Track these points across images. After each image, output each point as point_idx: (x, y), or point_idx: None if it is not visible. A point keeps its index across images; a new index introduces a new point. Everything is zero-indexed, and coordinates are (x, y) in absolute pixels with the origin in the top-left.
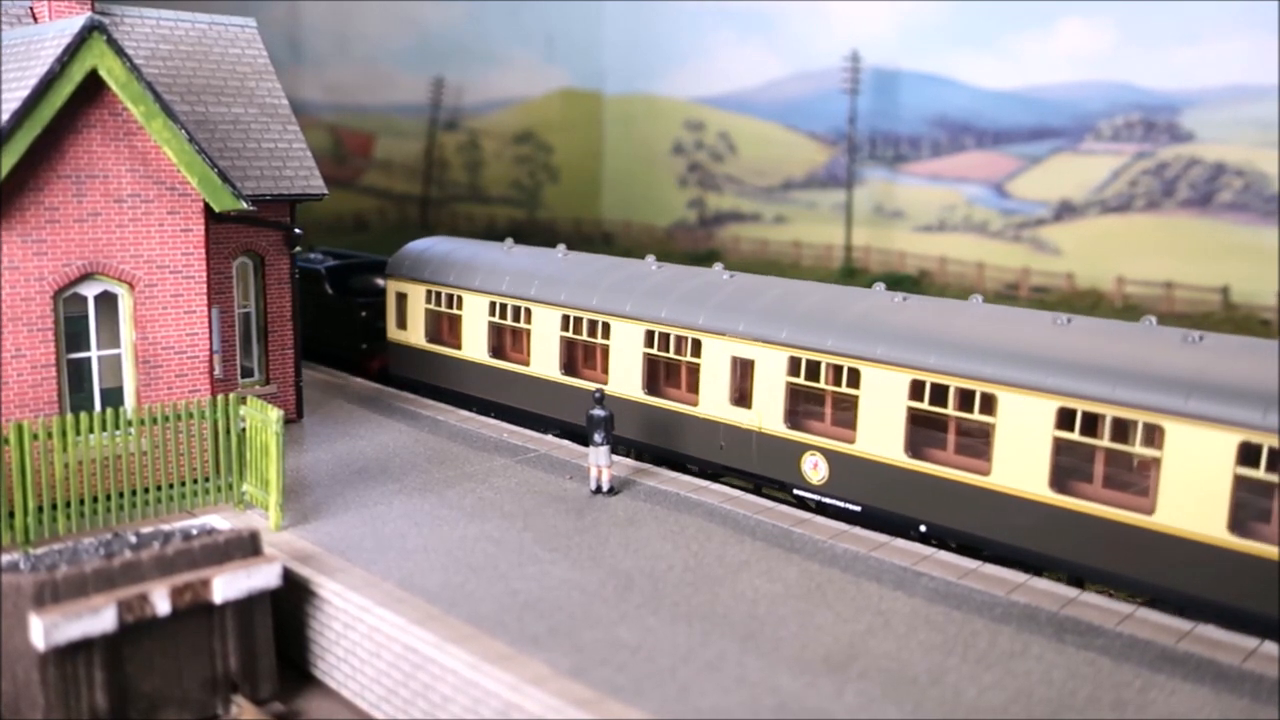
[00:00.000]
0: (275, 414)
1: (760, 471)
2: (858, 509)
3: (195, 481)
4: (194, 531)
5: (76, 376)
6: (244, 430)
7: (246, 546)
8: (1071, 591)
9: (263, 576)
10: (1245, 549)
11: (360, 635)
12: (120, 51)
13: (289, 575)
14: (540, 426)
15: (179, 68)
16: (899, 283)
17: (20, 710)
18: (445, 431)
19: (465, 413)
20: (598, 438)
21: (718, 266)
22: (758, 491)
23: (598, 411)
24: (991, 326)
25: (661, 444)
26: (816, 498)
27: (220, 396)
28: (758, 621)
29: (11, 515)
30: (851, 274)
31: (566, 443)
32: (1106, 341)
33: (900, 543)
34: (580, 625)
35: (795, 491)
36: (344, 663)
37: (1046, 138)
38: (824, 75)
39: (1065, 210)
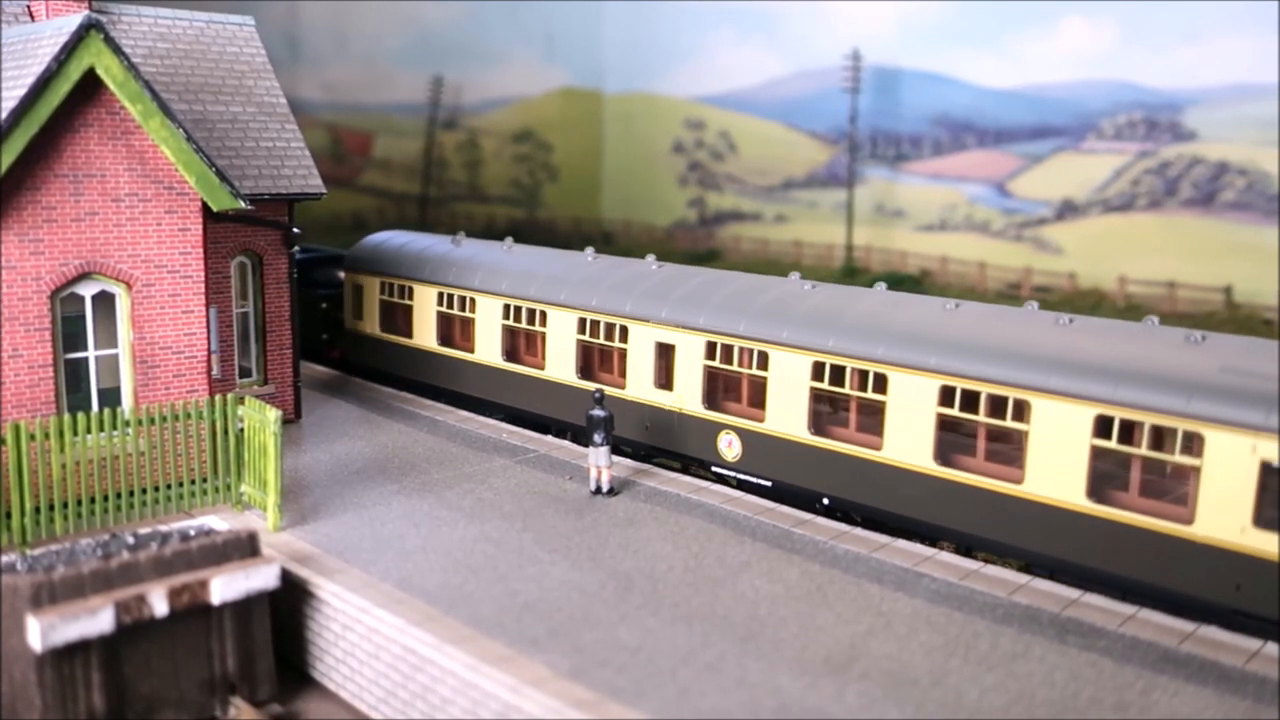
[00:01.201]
0: (273, 414)
1: (682, 450)
2: (769, 484)
3: (193, 482)
4: (192, 532)
5: (74, 377)
6: (242, 431)
7: (244, 547)
8: (1073, 593)
9: (261, 577)
10: (1102, 514)
11: (359, 636)
12: (118, 50)
13: (287, 576)
14: (484, 411)
15: (177, 66)
16: (900, 282)
17: (18, 711)
18: (444, 432)
19: (464, 413)
20: (597, 438)
21: (650, 258)
22: (685, 471)
23: (597, 412)
24: (887, 311)
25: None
26: (732, 474)
27: (218, 397)
28: (758, 622)
29: (9, 516)
30: (852, 273)
31: (566, 443)
32: (988, 325)
33: (901, 544)
34: (580, 626)
35: (714, 469)
36: (343, 664)
37: (1048, 137)
38: (825, 74)
39: (1067, 210)
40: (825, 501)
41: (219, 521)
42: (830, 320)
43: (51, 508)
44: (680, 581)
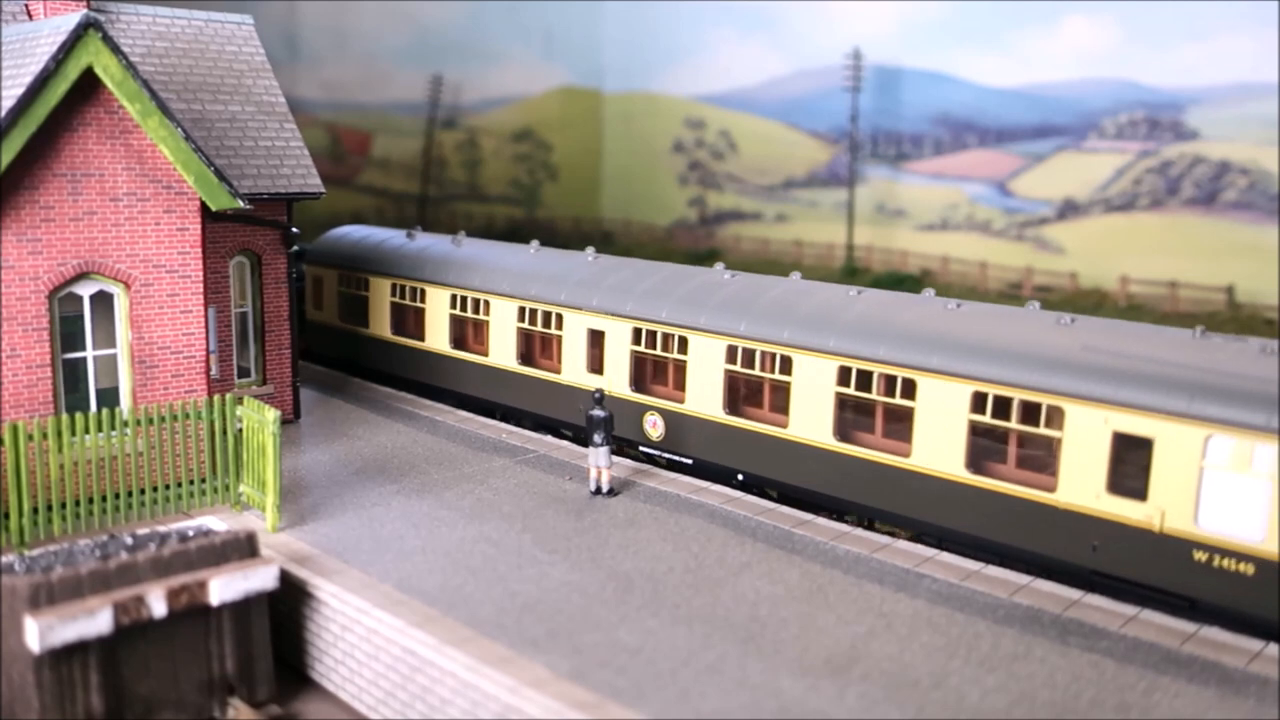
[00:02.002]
0: (272, 414)
1: (612, 431)
2: (689, 462)
3: (191, 483)
4: (190, 533)
5: (72, 377)
6: (240, 431)
7: (243, 548)
8: (1075, 594)
9: (260, 578)
10: (979, 484)
11: (358, 637)
12: (116, 49)
13: (286, 577)
14: (435, 397)
15: (175, 65)
16: (901, 282)
17: (16, 712)
18: (443, 432)
19: (464, 413)
20: (597, 438)
21: (589, 250)
22: (620, 453)
23: (597, 412)
24: (795, 298)
25: (532, 409)
26: (657, 453)
27: (217, 397)
28: (759, 624)
29: (6, 517)
30: (853, 273)
31: (565, 443)
32: (884, 311)
33: (902, 544)
34: (580, 627)
35: (640, 448)
36: (342, 665)
37: (1050, 136)
38: (825, 73)
39: (1069, 209)
40: (740, 478)
41: (217, 522)
42: (743, 306)
43: (49, 508)
44: (680, 582)
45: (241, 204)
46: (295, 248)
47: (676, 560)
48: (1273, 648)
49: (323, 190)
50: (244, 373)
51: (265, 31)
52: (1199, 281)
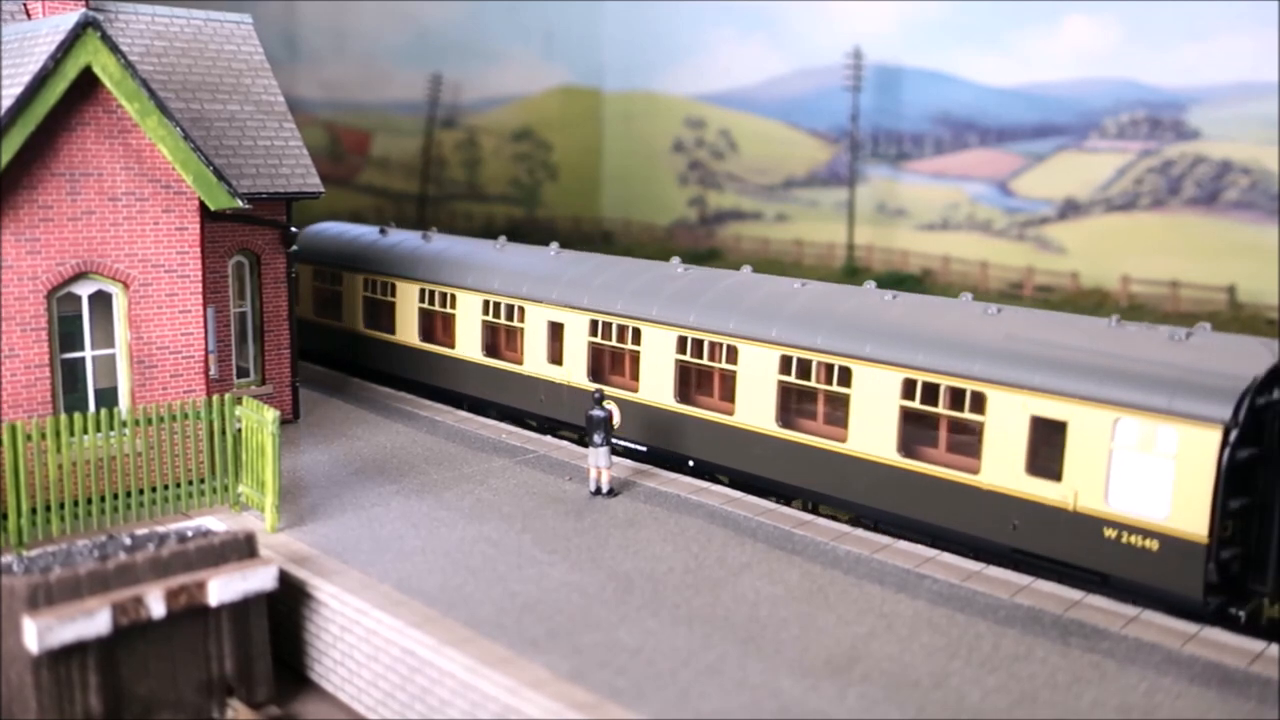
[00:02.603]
0: (271, 414)
1: (570, 420)
2: (644, 449)
3: (190, 483)
4: (189, 533)
5: (70, 377)
6: (239, 431)
7: (242, 548)
8: (1076, 594)
9: (259, 579)
10: (910, 468)
11: (357, 638)
12: (115, 48)
13: (285, 577)
14: (404, 387)
15: (174, 65)
16: (901, 282)
17: (14, 713)
18: (443, 432)
19: (463, 413)
20: (597, 439)
21: (553, 245)
22: (581, 442)
23: (597, 412)
24: (741, 291)
25: (496, 399)
26: (613, 441)
27: (216, 397)
28: (759, 624)
29: (4, 517)
30: (854, 273)
31: (565, 444)
32: (824, 302)
33: (903, 545)
34: (580, 628)
35: None
36: (341, 666)
37: (1051, 135)
38: (826, 72)
39: (1070, 208)
40: (691, 464)
41: (216, 522)
42: (692, 299)
43: (48, 508)
44: (681, 583)
45: (240, 203)
46: (294, 247)
47: (676, 560)
48: (1273, 649)
49: (322, 190)
50: (243, 373)
51: (264, 31)
52: (1200, 281)
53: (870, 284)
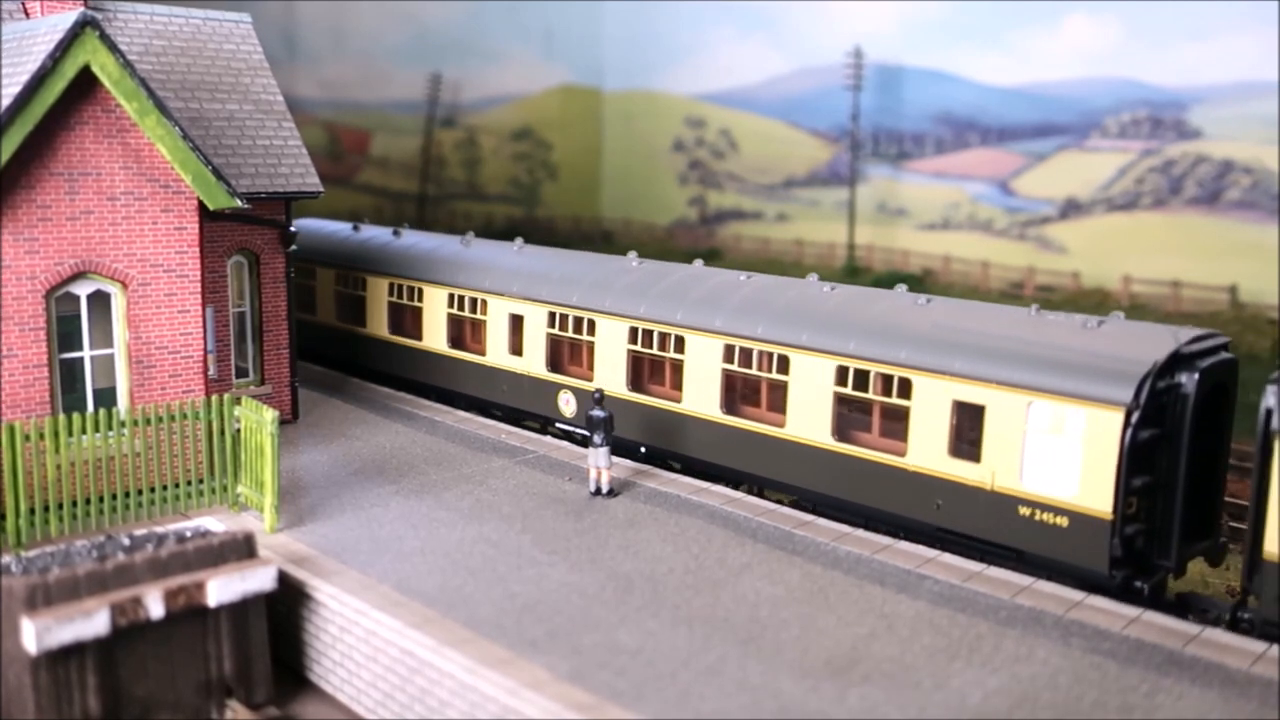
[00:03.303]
0: (270, 415)
1: (530, 409)
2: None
3: (189, 483)
4: (188, 534)
5: (69, 377)
6: (239, 431)
7: (241, 549)
8: (1078, 595)
9: (258, 579)
10: (843, 451)
11: (356, 639)
12: (113, 47)
13: (284, 578)
14: (371, 378)
15: (173, 64)
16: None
17: (12, 714)
18: (442, 432)
19: (463, 413)
20: (597, 439)
21: (517, 241)
22: (543, 430)
23: (597, 412)
24: (689, 283)
25: (461, 389)
26: (570, 428)
27: (215, 397)
28: (759, 625)
29: (3, 517)
30: (854, 273)
31: (565, 444)
32: (766, 294)
33: (904, 545)
34: (579, 629)
35: (556, 424)
36: (340, 666)
37: (1052, 135)
38: (826, 71)
39: (1071, 208)
40: (642, 450)
41: (215, 523)
42: (642, 291)
43: (46, 509)
44: (681, 583)
45: (239, 203)
46: (294, 247)
47: (676, 561)
48: (1275, 649)
49: (321, 189)
50: (242, 373)
51: (263, 30)
52: (1202, 281)
53: (813, 276)
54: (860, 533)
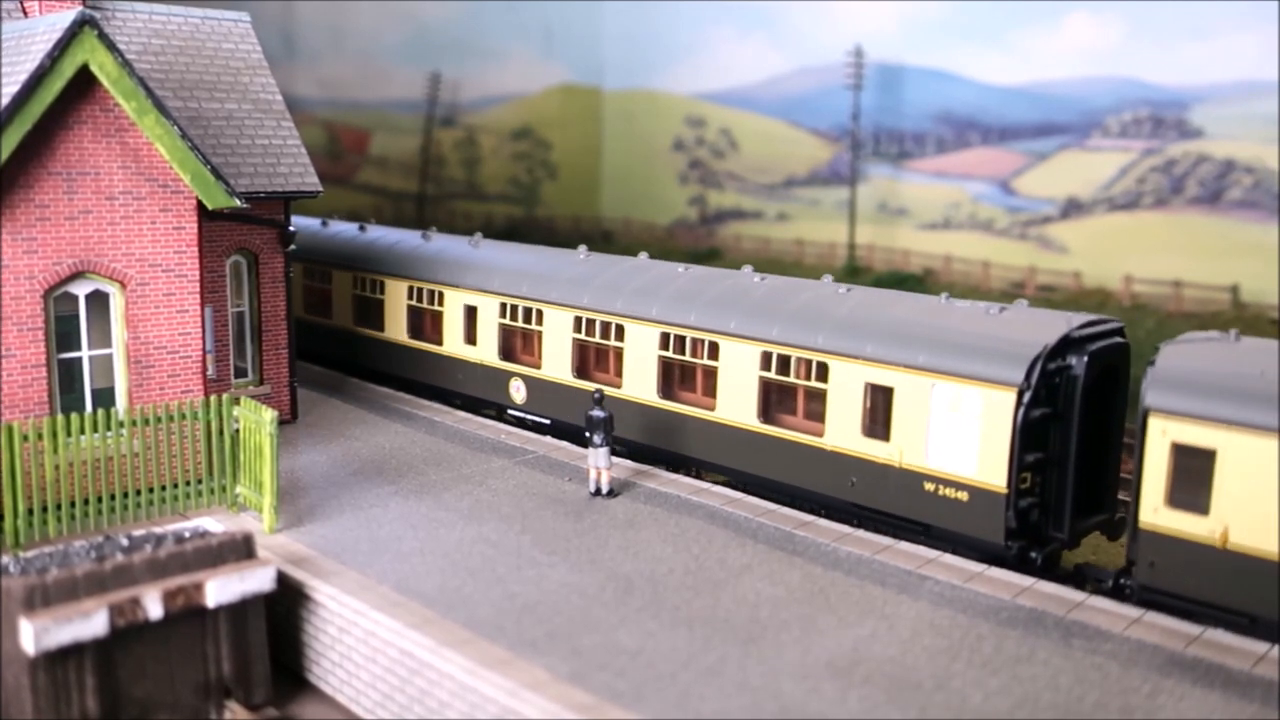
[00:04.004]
0: (269, 415)
1: (483, 396)
2: (548, 422)
3: (188, 484)
4: (187, 534)
5: (67, 377)
6: (237, 431)
7: (240, 549)
8: (1079, 596)
9: (256, 580)
10: (768, 433)
11: (356, 640)
12: (112, 46)
13: (283, 579)
14: (342, 368)
15: (171, 63)
16: (902, 282)
17: (10, 715)
18: (442, 432)
19: (462, 414)
20: (597, 439)
21: (477, 235)
22: (500, 417)
23: (597, 412)
24: (630, 276)
25: (420, 378)
26: (521, 415)
27: (213, 397)
28: (760, 626)
29: (1, 518)
30: (855, 272)
31: (565, 444)
32: (699, 285)
33: (905, 546)
34: (579, 629)
35: (508, 411)
36: (339, 667)
37: (1053, 134)
38: (827, 71)
39: (1072, 208)
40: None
41: (214, 523)
42: (585, 283)
43: (45, 509)
44: (681, 584)
45: (238, 203)
46: (292, 246)
47: (677, 562)
48: (1275, 650)
49: (320, 189)
50: (241, 373)
51: (262, 29)
52: (1203, 281)
53: (748, 268)
54: (861, 533)
